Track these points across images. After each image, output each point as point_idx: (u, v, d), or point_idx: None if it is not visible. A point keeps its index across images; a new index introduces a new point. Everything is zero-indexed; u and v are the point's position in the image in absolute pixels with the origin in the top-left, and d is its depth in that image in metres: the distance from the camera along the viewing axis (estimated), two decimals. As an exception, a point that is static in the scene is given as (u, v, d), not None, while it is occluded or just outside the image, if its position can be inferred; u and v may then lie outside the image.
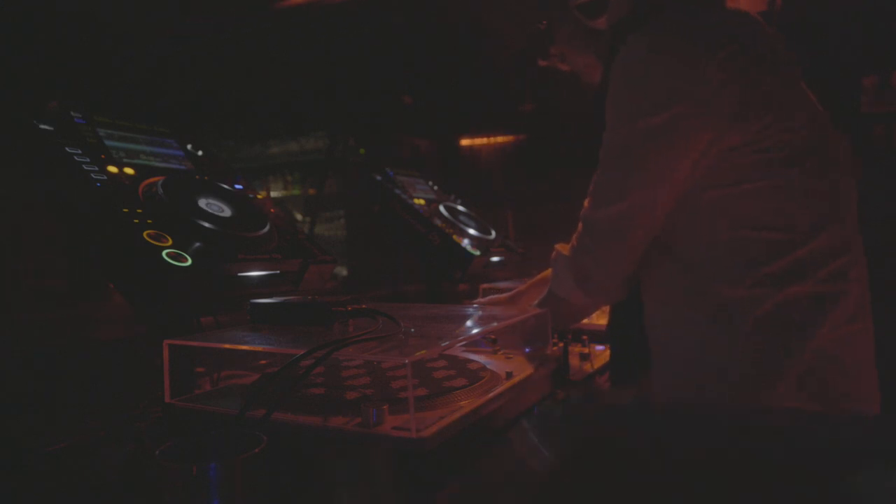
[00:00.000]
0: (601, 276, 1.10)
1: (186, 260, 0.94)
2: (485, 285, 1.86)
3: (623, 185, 1.03)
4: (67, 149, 1.03)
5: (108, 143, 1.12)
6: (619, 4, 1.09)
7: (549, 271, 1.57)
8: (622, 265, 1.09)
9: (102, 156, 1.08)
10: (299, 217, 4.25)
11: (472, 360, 0.99)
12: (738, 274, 0.97)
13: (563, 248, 1.17)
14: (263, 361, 1.03)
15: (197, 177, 1.24)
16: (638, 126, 0.99)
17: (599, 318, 1.54)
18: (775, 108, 0.97)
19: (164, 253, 0.92)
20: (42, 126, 1.04)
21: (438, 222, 1.81)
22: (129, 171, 1.09)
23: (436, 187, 2.13)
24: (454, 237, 1.77)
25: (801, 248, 0.95)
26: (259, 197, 1.30)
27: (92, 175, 1.01)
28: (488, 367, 0.95)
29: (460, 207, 2.06)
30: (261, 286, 1.07)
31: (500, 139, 4.23)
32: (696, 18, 1.01)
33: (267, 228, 1.14)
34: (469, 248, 1.77)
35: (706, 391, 1.01)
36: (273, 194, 4.47)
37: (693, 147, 0.97)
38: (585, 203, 1.11)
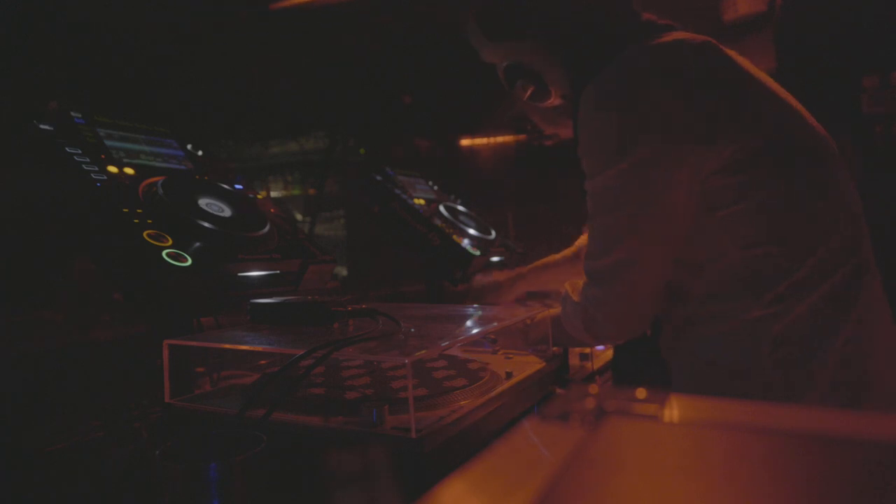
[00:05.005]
0: (611, 326, 1.04)
1: (186, 260, 0.94)
2: (485, 285, 1.86)
3: (615, 232, 0.99)
4: (67, 149, 1.03)
5: (108, 143, 1.12)
6: (561, 84, 1.12)
7: (548, 259, 1.55)
8: (633, 310, 1.03)
9: (102, 156, 1.08)
10: (299, 217, 4.25)
11: (472, 360, 0.99)
12: (754, 293, 0.96)
13: (571, 288, 1.10)
14: (263, 361, 1.03)
15: (197, 177, 1.24)
16: (609, 174, 0.97)
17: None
18: (743, 127, 0.95)
19: (164, 253, 0.92)
20: (42, 126, 1.04)
21: (438, 222, 1.81)
22: (129, 171, 1.09)
23: (436, 187, 2.13)
24: (454, 237, 1.77)
25: (805, 264, 0.94)
26: (259, 197, 1.30)
27: (92, 175, 1.01)
28: (488, 367, 0.95)
29: (460, 207, 2.06)
30: (261, 286, 1.07)
31: (500, 139, 4.23)
32: (634, 63, 0.99)
33: (267, 228, 1.14)
34: (469, 248, 1.77)
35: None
36: (273, 194, 4.47)
37: (669, 180, 0.95)
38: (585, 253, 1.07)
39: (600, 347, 1.35)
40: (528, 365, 0.99)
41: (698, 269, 1.01)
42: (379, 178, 1.91)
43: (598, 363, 1.24)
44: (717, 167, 0.94)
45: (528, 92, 1.13)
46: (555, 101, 1.15)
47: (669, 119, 0.95)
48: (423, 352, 0.72)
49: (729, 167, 0.94)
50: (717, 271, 0.99)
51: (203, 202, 1.10)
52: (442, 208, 1.92)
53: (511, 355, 1.08)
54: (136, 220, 0.96)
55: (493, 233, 1.98)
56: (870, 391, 0.95)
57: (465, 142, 4.34)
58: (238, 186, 1.27)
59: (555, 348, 1.10)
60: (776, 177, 0.95)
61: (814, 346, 0.94)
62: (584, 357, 1.23)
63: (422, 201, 1.89)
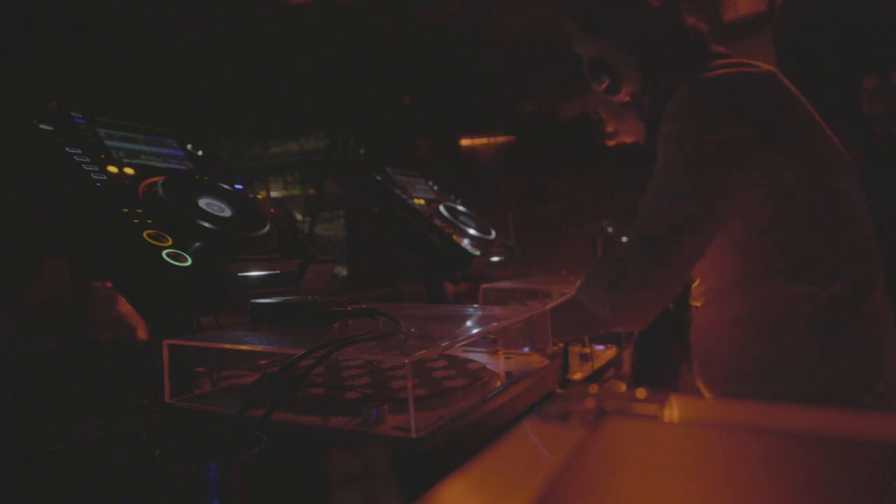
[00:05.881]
0: (640, 290, 1.12)
1: (186, 260, 0.94)
2: (485, 285, 1.86)
3: (676, 201, 1.14)
4: (67, 149, 1.03)
5: (108, 143, 1.12)
6: (633, 82, 1.31)
7: None
8: (667, 278, 1.14)
9: (102, 156, 1.08)
10: (299, 217, 4.25)
11: (472, 360, 0.99)
12: (798, 275, 1.14)
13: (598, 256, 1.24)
14: (263, 361, 1.03)
15: (197, 177, 1.24)
16: (682, 154, 1.15)
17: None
18: (792, 141, 1.16)
19: (164, 253, 0.92)
20: (42, 126, 1.04)
21: (438, 222, 1.81)
22: (129, 171, 1.09)
23: (436, 187, 2.13)
24: (454, 237, 1.77)
25: (833, 253, 1.13)
26: (259, 197, 1.30)
27: (92, 175, 1.01)
28: (488, 367, 0.95)
29: (460, 207, 2.06)
30: (261, 286, 1.07)
31: (500, 139, 4.23)
32: (718, 77, 1.20)
33: (267, 228, 1.14)
34: (469, 248, 1.77)
35: (767, 383, 1.16)
36: (273, 194, 4.47)
37: (727, 168, 1.13)
38: (638, 218, 1.19)
39: (600, 351, 1.35)
40: (528, 365, 1.00)
41: (746, 253, 1.18)
42: (379, 178, 1.91)
43: (597, 363, 1.24)
44: (772, 170, 1.13)
45: (604, 85, 1.31)
46: (623, 97, 1.32)
47: (737, 122, 1.14)
48: (423, 352, 0.72)
49: (782, 172, 1.13)
50: (767, 256, 1.16)
51: (203, 202, 1.10)
52: (442, 208, 1.92)
53: (511, 355, 1.08)
54: (136, 220, 0.96)
55: (493, 233, 1.98)
56: (884, 359, 1.13)
57: (465, 142, 4.34)
58: (238, 186, 1.27)
59: (554, 347, 1.10)
60: (815, 182, 1.15)
61: (846, 317, 1.12)
62: (583, 357, 1.23)
63: (422, 201, 1.89)
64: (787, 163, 1.13)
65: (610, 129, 1.48)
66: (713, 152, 1.13)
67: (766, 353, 1.16)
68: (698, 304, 1.26)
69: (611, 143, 1.57)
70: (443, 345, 0.79)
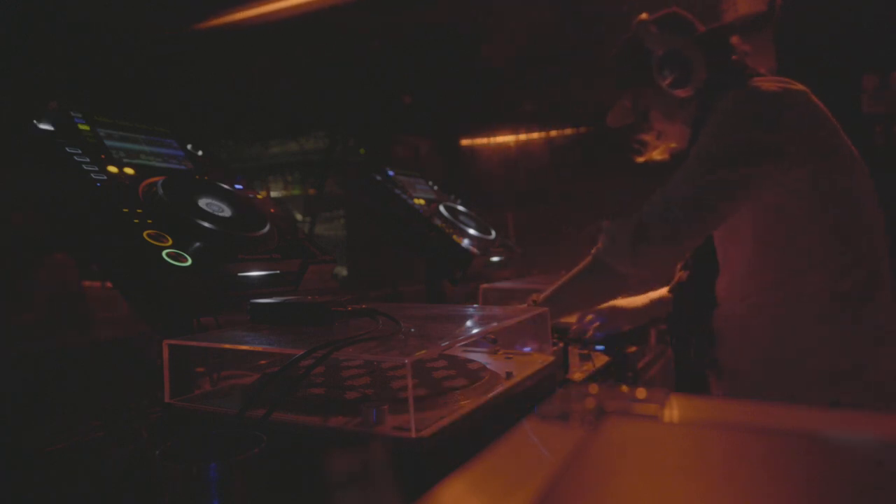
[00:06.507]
0: (660, 244, 1.23)
1: (186, 260, 0.94)
2: (485, 285, 1.86)
3: (711, 173, 1.23)
4: (67, 149, 1.03)
5: (108, 143, 1.12)
6: (697, 78, 1.38)
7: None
8: (684, 237, 1.25)
9: (102, 156, 1.08)
10: (299, 217, 4.25)
11: (472, 360, 0.99)
12: (818, 267, 1.23)
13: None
14: (263, 361, 1.03)
15: (197, 177, 1.24)
16: (744, 138, 1.25)
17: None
18: (822, 150, 1.24)
19: (164, 253, 0.92)
20: (42, 126, 1.04)
21: (438, 222, 1.81)
22: (129, 171, 1.09)
23: (436, 187, 2.13)
24: (454, 237, 1.77)
25: (854, 246, 1.23)
26: (259, 197, 1.30)
27: (92, 175, 1.01)
28: (488, 367, 0.95)
29: (460, 207, 2.06)
30: (261, 286, 1.07)
31: (500, 139, 4.23)
32: (766, 89, 1.28)
33: (267, 228, 1.14)
34: (469, 248, 1.77)
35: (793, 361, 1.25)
36: (273, 194, 4.48)
37: (768, 169, 1.22)
38: (668, 184, 1.28)
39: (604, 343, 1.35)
40: (528, 365, 1.00)
41: (768, 244, 1.27)
42: (379, 178, 1.91)
43: (598, 363, 1.24)
44: (798, 178, 1.22)
45: (670, 79, 1.39)
46: (685, 92, 1.38)
47: (775, 130, 1.23)
48: (423, 352, 0.72)
49: (809, 181, 1.22)
50: (788, 248, 1.26)
51: (203, 202, 1.09)
52: (442, 208, 1.92)
53: (511, 355, 1.08)
54: (136, 220, 0.96)
55: (493, 233, 1.98)
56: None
57: (465, 142, 4.33)
58: (238, 186, 1.27)
59: (553, 347, 1.10)
60: (837, 192, 1.24)
61: (858, 304, 1.22)
62: (583, 357, 1.23)
63: (422, 201, 1.89)
64: (815, 174, 1.22)
65: (652, 136, 1.54)
66: (746, 148, 1.23)
67: (779, 339, 1.26)
68: (722, 293, 1.35)
69: (640, 158, 1.61)
70: (443, 345, 0.79)
